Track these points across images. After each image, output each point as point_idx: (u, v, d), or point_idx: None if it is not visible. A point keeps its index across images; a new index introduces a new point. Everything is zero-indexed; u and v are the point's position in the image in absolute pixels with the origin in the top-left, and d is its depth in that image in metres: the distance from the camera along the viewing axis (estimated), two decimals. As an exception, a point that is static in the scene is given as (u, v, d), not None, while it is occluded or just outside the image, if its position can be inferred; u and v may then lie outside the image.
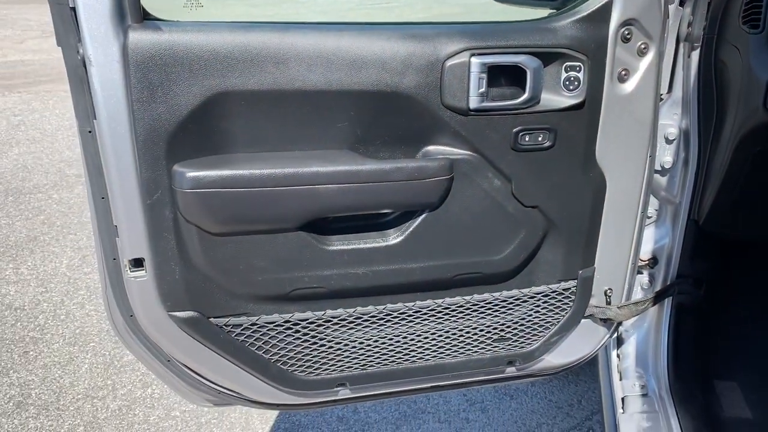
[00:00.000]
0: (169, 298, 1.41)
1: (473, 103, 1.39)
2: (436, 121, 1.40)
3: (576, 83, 1.44)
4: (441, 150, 1.44)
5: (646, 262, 1.92)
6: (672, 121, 1.76)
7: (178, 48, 1.23)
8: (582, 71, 1.43)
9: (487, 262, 1.56)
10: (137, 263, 1.37)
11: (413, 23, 1.42)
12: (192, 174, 1.28)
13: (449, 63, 1.36)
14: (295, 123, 1.35)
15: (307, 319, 1.53)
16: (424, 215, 1.48)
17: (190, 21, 1.29)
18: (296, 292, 1.47)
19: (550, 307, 1.71)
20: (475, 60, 1.36)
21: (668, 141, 1.77)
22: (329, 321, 1.55)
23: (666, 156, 1.78)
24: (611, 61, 1.46)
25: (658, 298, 1.85)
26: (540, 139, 1.47)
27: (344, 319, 1.56)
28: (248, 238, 1.39)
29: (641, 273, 1.93)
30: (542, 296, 1.68)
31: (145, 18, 1.24)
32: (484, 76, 1.37)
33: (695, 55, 1.66)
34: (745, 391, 1.85)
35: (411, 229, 1.48)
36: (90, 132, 1.29)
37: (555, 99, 1.44)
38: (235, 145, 1.34)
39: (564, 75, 1.43)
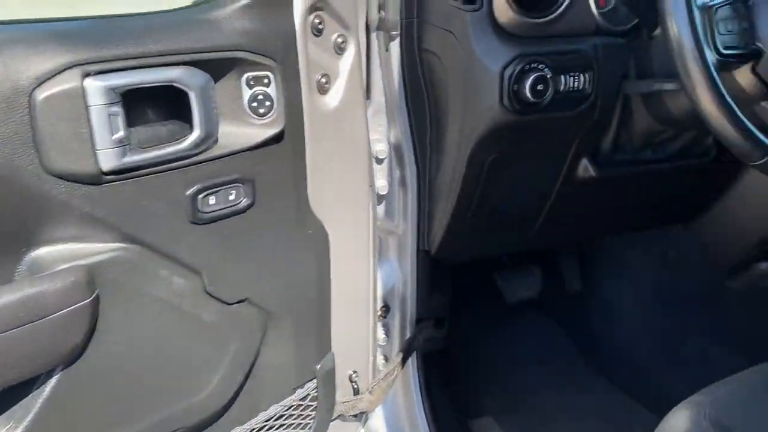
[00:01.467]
0: None
1: (108, 160, 0.79)
2: (38, 201, 0.76)
3: (268, 104, 0.94)
4: (64, 252, 0.80)
5: (378, 312, 1.51)
6: (379, 135, 1.35)
7: None
8: (272, 84, 0.94)
9: (184, 411, 0.97)
10: None
11: None
12: None
13: (43, 94, 0.73)
14: None
15: None
16: (56, 377, 0.81)
17: None
18: None
19: None
20: (93, 83, 0.76)
21: (378, 160, 1.37)
22: None
23: (379, 179, 1.38)
24: (305, 65, 1.00)
25: (405, 360, 1.46)
26: (232, 197, 0.93)
27: None
28: None
29: (375, 328, 1.52)
30: (273, 421, 1.14)
31: None
32: (118, 109, 0.78)
33: (395, 46, 1.27)
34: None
35: (37, 407, 0.80)
36: None
37: (241, 132, 0.93)
38: None
39: (248, 93, 0.93)
